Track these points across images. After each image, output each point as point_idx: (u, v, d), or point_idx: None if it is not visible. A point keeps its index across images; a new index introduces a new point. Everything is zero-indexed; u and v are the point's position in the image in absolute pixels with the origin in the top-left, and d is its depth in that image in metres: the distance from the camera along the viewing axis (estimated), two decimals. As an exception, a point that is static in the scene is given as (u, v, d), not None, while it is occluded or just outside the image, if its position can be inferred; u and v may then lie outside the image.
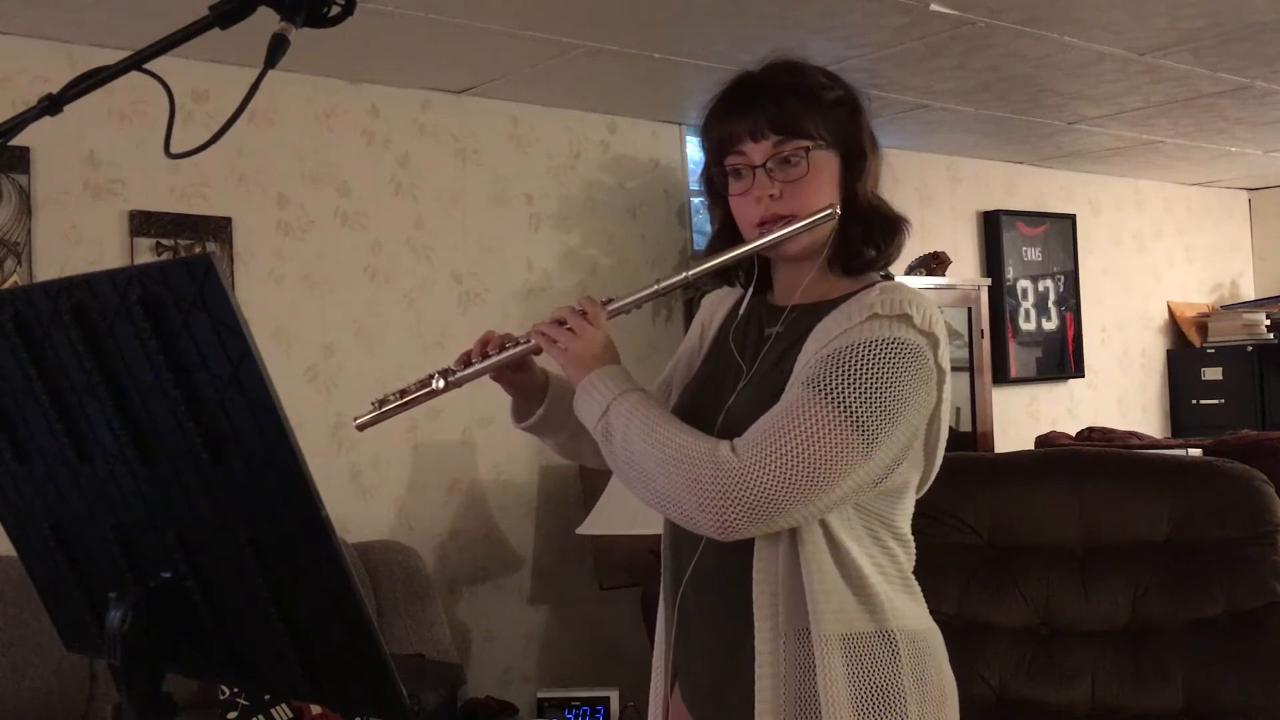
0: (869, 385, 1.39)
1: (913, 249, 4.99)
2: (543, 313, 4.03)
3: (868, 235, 1.56)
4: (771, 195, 1.51)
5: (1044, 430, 5.16)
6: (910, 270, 4.81)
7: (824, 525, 1.44)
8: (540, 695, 3.71)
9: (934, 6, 3.14)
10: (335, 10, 1.22)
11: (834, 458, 1.37)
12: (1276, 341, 5.92)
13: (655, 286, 1.57)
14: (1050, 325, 5.59)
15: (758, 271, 1.64)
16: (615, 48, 3.43)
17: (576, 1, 3.05)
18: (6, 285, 3.07)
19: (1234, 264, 6.67)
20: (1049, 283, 5.61)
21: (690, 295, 1.75)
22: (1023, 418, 5.45)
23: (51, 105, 1.20)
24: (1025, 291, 5.50)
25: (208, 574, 1.08)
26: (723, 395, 1.57)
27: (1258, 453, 3.74)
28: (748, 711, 1.47)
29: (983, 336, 4.79)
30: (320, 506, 0.97)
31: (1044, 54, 3.65)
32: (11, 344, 1.08)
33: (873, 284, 1.54)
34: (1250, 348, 5.89)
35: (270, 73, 1.17)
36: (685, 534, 1.56)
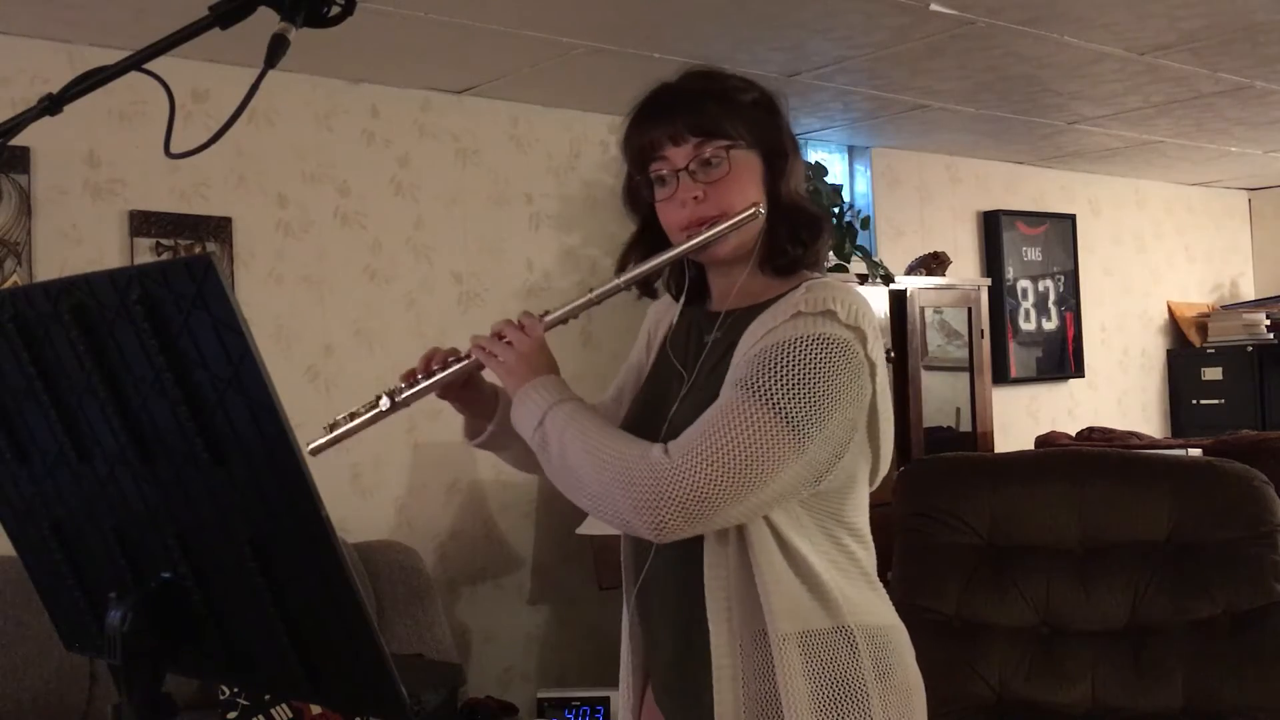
0: (797, 382, 1.40)
1: (913, 249, 5.00)
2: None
3: (793, 234, 1.56)
4: (695, 198, 1.53)
5: (1044, 430, 5.16)
6: (910, 270, 4.82)
7: (771, 525, 1.45)
8: (540, 695, 3.72)
9: (934, 6, 3.14)
10: (335, 10, 1.22)
11: (765, 455, 1.38)
12: (1276, 341, 5.92)
13: (589, 295, 1.59)
14: (1050, 325, 5.59)
15: (689, 281, 1.66)
16: (615, 48, 3.43)
17: (576, 1, 3.05)
18: (6, 285, 3.07)
19: (1234, 264, 6.67)
20: (1049, 283, 5.61)
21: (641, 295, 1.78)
22: (1023, 418, 5.45)
23: (51, 105, 1.20)
24: (1025, 291, 5.51)
25: (208, 574, 1.08)
26: (668, 404, 1.58)
27: (1258, 453, 3.74)
28: (712, 712, 1.47)
29: (983, 336, 4.79)
30: (320, 506, 0.97)
31: (1044, 54, 3.65)
32: (11, 344, 1.08)
33: (802, 282, 1.54)
34: (1250, 348, 5.89)
35: (270, 73, 1.17)
36: (640, 539, 1.56)
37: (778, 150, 1.57)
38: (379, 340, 3.70)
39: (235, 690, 2.76)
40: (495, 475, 3.92)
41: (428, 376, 1.59)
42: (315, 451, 1.56)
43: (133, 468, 1.06)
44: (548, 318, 1.59)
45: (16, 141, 2.68)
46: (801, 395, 1.40)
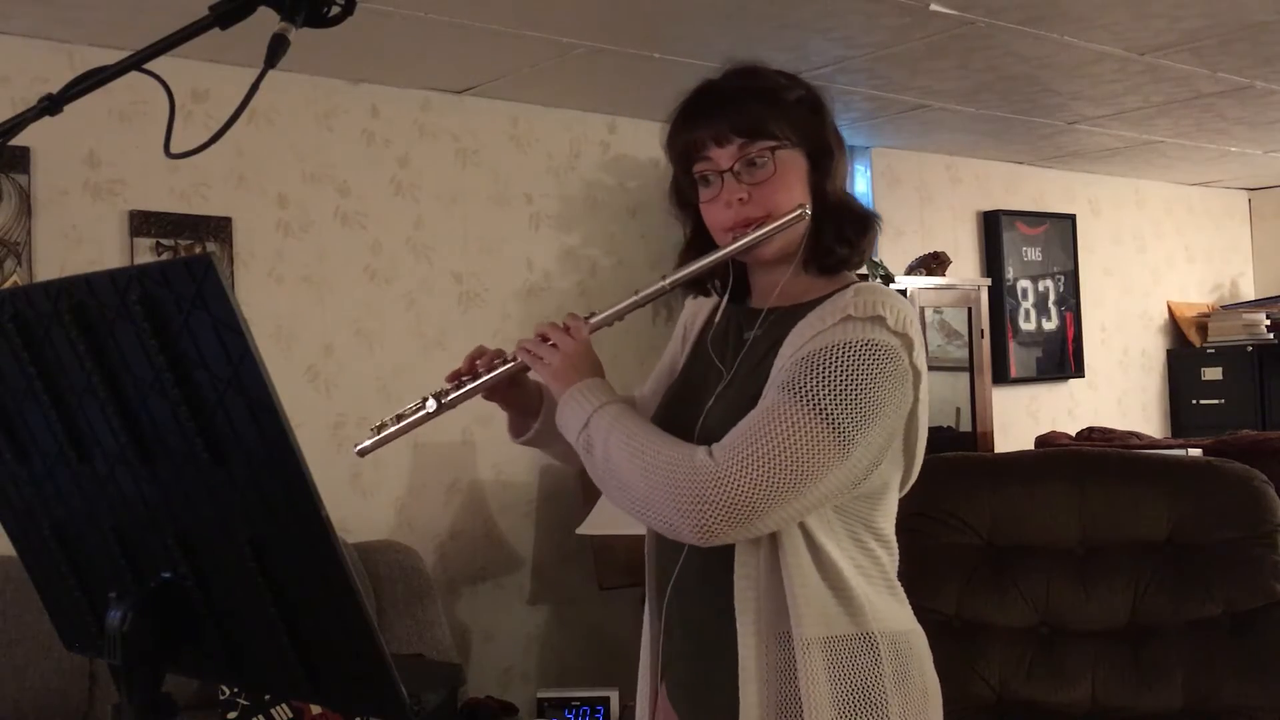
0: (844, 387, 1.40)
1: (913, 249, 5.00)
2: (543, 313, 4.05)
3: (839, 233, 1.56)
4: (740, 199, 1.52)
5: (1044, 430, 5.16)
6: (910, 270, 4.82)
7: (804, 528, 1.45)
8: (540, 695, 3.72)
9: (934, 6, 3.14)
10: (335, 10, 1.22)
11: (810, 460, 1.38)
12: (1276, 341, 5.92)
13: (635, 298, 1.59)
14: (1050, 325, 5.59)
15: (733, 278, 1.65)
16: (615, 48, 3.43)
17: (576, 1, 3.05)
18: (6, 285, 3.07)
19: (1234, 264, 6.67)
20: (1049, 283, 5.61)
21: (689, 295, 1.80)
22: (1023, 418, 5.45)
23: (51, 105, 1.20)
24: (1025, 291, 5.51)
25: (208, 574, 1.08)
26: (703, 399, 1.58)
27: (1258, 453, 3.74)
28: (733, 714, 1.47)
29: (983, 336, 4.79)
30: (320, 506, 0.97)
31: (1044, 54, 3.65)
32: (11, 344, 1.08)
33: (848, 285, 1.54)
34: (1250, 348, 5.89)
35: (270, 73, 1.17)
36: (668, 540, 1.56)
37: (823, 149, 1.56)
38: (379, 340, 3.70)
39: (235, 690, 2.76)
40: (495, 475, 3.92)
41: (473, 379, 1.59)
42: (363, 453, 1.57)
43: (133, 468, 1.06)
44: (593, 320, 1.58)
45: (16, 141, 2.68)
46: (847, 401, 1.40)
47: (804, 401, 1.39)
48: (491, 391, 1.62)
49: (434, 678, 3.04)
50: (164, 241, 3.31)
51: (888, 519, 1.55)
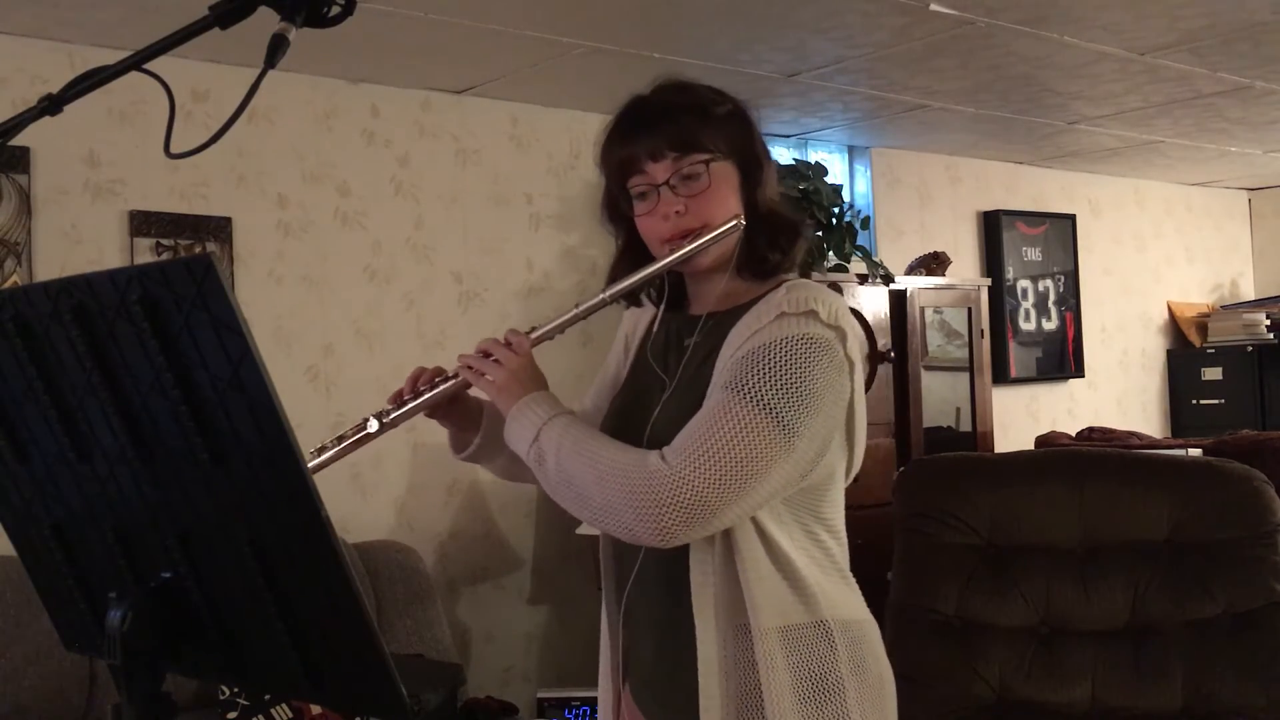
0: (784, 381, 1.44)
1: (913, 249, 5.00)
2: (543, 312, 4.04)
3: (772, 241, 1.59)
4: (678, 211, 1.55)
5: (1044, 430, 5.16)
6: (910, 270, 4.82)
7: (756, 522, 1.48)
8: (540, 695, 3.72)
9: (934, 6, 3.14)
10: (335, 10, 1.23)
11: (759, 454, 1.41)
12: (1276, 341, 5.92)
13: (575, 310, 1.61)
14: (1050, 325, 5.59)
15: (668, 287, 1.68)
16: (615, 48, 3.43)
17: (576, 1, 3.05)
18: (6, 285, 3.07)
19: (1234, 264, 6.67)
20: (1049, 283, 5.61)
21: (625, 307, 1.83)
22: (1023, 418, 5.45)
23: (51, 105, 1.20)
24: (1025, 291, 5.51)
25: (208, 574, 1.08)
26: (648, 409, 1.60)
27: (1258, 453, 3.74)
28: (696, 708, 1.49)
29: (983, 336, 4.79)
30: (320, 506, 0.97)
31: (1044, 54, 3.66)
32: (11, 344, 1.08)
33: (780, 283, 1.57)
34: (1250, 348, 5.89)
35: (270, 73, 1.17)
36: (624, 542, 1.58)
37: (753, 160, 1.60)
38: (379, 340, 3.70)
39: (235, 690, 2.76)
40: (495, 476, 3.91)
41: (415, 397, 1.62)
42: None
43: (133, 468, 1.06)
44: (534, 334, 1.60)
45: (16, 141, 2.68)
46: (789, 394, 1.43)
47: (748, 398, 1.42)
48: (433, 409, 1.65)
49: (434, 678, 3.04)
50: (164, 241, 3.31)
51: (835, 510, 1.59)
